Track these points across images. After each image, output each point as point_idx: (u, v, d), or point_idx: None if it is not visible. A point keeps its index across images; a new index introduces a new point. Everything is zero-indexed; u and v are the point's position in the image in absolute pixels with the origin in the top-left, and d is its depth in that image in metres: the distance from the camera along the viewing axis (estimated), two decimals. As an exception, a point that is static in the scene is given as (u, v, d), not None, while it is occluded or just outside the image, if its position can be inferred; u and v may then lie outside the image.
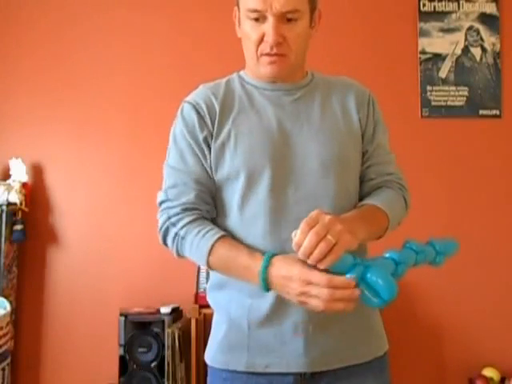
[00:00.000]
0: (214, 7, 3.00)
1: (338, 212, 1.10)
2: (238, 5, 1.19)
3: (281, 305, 1.11)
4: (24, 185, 2.84)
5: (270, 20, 1.11)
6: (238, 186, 1.15)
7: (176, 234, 1.15)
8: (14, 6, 3.04)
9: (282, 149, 1.15)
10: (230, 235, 1.14)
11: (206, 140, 1.17)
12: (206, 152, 1.17)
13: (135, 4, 3.04)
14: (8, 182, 2.82)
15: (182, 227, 1.14)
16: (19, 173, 2.85)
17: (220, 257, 1.10)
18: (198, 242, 1.12)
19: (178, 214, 1.15)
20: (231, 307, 1.17)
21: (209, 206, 1.18)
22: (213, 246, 1.10)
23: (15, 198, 2.76)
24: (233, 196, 1.16)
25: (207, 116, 1.18)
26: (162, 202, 1.19)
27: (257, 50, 1.15)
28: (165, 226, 1.17)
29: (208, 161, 1.17)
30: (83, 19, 3.03)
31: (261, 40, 1.14)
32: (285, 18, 1.12)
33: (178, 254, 1.19)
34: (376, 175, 1.25)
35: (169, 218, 1.16)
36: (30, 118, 2.99)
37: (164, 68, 3.01)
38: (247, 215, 1.15)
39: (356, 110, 1.23)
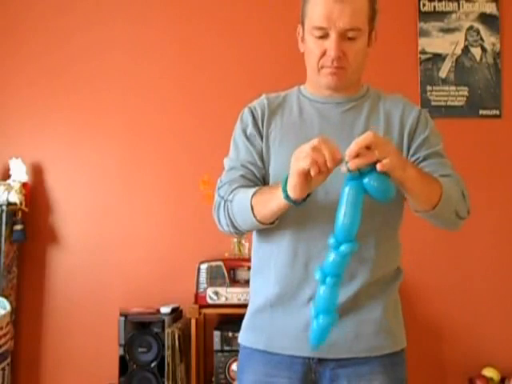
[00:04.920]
0: (210, 18, 3.02)
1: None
2: (302, 23, 1.31)
3: (299, 298, 1.25)
4: (24, 185, 2.84)
5: (333, 36, 1.23)
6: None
7: (225, 201, 1.29)
8: (16, 10, 3.04)
9: None
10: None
11: (254, 136, 1.34)
12: (256, 144, 1.33)
13: (138, 4, 3.05)
14: (8, 182, 2.82)
15: (229, 194, 1.29)
16: (19, 173, 2.85)
17: (258, 198, 1.21)
18: (244, 196, 1.24)
19: (225, 189, 1.31)
20: (259, 292, 1.33)
21: (252, 183, 1.31)
22: (255, 191, 1.22)
23: (15, 197, 2.76)
24: None
25: (260, 119, 1.35)
26: (217, 186, 1.35)
27: (318, 63, 1.27)
28: (216, 202, 1.32)
29: (257, 151, 1.33)
30: (84, 23, 3.03)
31: (323, 54, 1.25)
32: (346, 36, 1.24)
33: (231, 222, 1.29)
34: (432, 172, 1.26)
35: (219, 195, 1.32)
36: (30, 118, 2.99)
37: (165, 69, 3.01)
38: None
39: (399, 125, 1.31)
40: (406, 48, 3.00)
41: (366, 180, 1.06)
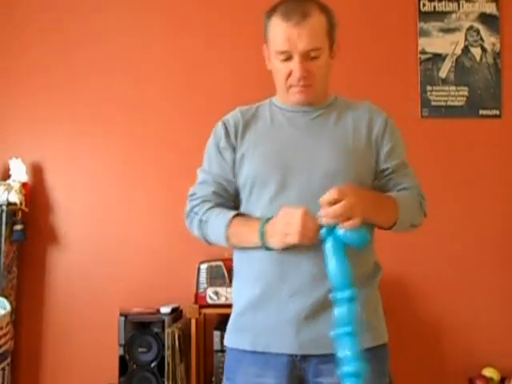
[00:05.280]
0: (216, 5, 3.01)
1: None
2: (267, 43, 1.39)
3: (278, 295, 1.32)
4: (24, 185, 2.84)
5: (296, 59, 1.32)
6: (250, 191, 1.38)
7: (200, 221, 1.41)
8: (14, 7, 3.04)
9: (291, 161, 1.35)
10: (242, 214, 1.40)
11: (226, 149, 1.42)
12: (227, 158, 1.42)
13: (135, 3, 3.05)
14: (8, 182, 2.82)
15: (203, 213, 1.40)
16: (19, 173, 2.85)
17: (234, 229, 1.35)
18: (218, 222, 1.37)
19: (198, 204, 1.43)
20: (241, 294, 1.40)
21: (223, 199, 1.43)
22: (229, 221, 1.35)
23: (15, 198, 2.76)
24: (245, 200, 1.40)
25: (233, 132, 1.42)
26: (189, 195, 1.47)
27: (286, 83, 1.36)
28: (189, 216, 1.45)
29: (228, 165, 1.42)
30: (83, 19, 3.03)
31: (289, 75, 1.34)
32: (309, 56, 1.32)
33: (205, 239, 1.43)
34: (394, 186, 1.42)
35: (191, 208, 1.44)
36: (30, 118, 2.99)
37: (164, 69, 3.01)
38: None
39: (367, 132, 1.40)
40: (406, 48, 3.00)
41: (341, 232, 1.19)
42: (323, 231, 1.21)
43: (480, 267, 2.90)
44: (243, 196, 1.41)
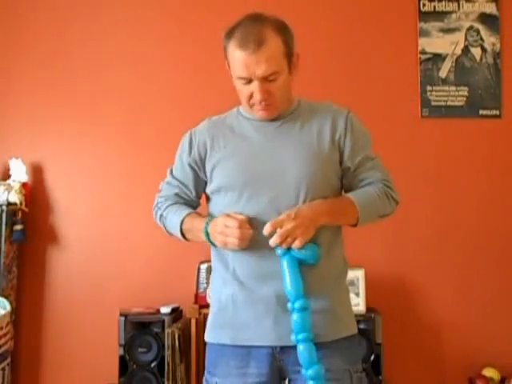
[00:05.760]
0: (216, 5, 3.01)
1: None
2: (227, 62, 1.44)
3: (256, 292, 1.38)
4: (24, 185, 2.85)
5: (256, 83, 1.37)
6: (224, 197, 1.45)
7: (161, 215, 1.55)
8: (14, 7, 3.04)
9: (261, 168, 1.42)
10: (196, 212, 1.53)
11: (189, 164, 1.52)
12: (188, 172, 1.53)
13: (134, 2, 3.05)
14: (8, 182, 2.82)
15: (164, 209, 1.55)
16: (19, 173, 2.85)
17: (187, 226, 1.48)
18: (174, 219, 1.50)
19: (161, 202, 1.57)
20: (220, 291, 1.45)
21: (184, 200, 1.56)
22: (183, 219, 1.48)
23: (15, 198, 2.77)
24: (220, 205, 1.45)
25: (196, 146, 1.51)
26: (158, 196, 1.61)
27: (249, 102, 1.42)
28: (154, 210, 1.59)
29: (189, 178, 1.53)
30: (83, 19, 3.03)
31: (251, 96, 1.40)
32: (267, 79, 1.37)
33: (168, 232, 1.55)
34: (359, 182, 1.48)
35: (156, 203, 1.59)
36: (30, 118, 2.99)
37: (164, 68, 3.01)
38: None
39: (330, 133, 1.45)
40: (406, 48, 3.00)
41: (293, 252, 1.32)
42: (279, 251, 1.32)
43: (480, 267, 2.90)
44: (216, 200, 1.48)
